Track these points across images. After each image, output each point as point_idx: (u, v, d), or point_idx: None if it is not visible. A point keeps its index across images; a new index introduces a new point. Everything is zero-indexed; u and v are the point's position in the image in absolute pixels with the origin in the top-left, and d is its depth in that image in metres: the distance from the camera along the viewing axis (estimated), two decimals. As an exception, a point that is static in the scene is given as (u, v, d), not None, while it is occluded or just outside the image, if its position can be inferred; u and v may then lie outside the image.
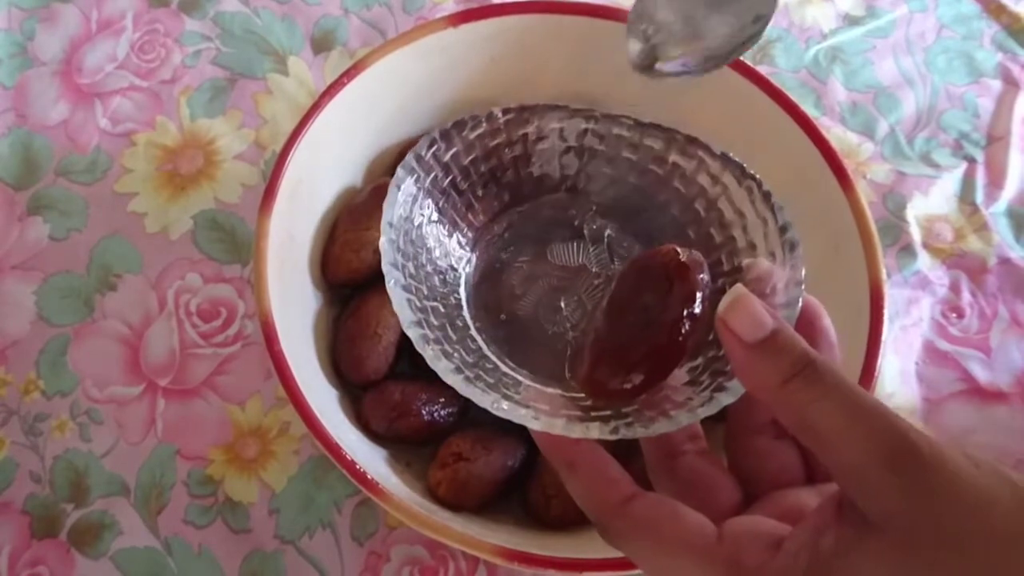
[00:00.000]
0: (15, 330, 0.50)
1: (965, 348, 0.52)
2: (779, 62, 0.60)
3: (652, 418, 0.27)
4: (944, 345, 0.52)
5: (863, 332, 0.40)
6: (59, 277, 0.52)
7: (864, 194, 0.44)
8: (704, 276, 0.29)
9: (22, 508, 0.47)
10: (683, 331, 0.28)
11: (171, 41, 0.59)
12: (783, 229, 0.31)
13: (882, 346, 0.40)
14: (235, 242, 0.53)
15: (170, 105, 0.57)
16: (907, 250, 0.54)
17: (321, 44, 0.59)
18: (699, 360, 0.30)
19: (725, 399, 0.27)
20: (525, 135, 0.35)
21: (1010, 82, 0.60)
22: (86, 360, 0.50)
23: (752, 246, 0.32)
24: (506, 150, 0.35)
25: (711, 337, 0.25)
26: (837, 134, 0.58)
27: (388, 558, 0.46)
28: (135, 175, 0.55)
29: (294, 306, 0.44)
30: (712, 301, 0.25)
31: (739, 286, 0.25)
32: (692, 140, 0.34)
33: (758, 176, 0.32)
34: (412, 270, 0.32)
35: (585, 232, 0.36)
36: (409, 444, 0.45)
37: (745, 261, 0.31)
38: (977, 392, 0.51)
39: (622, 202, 0.36)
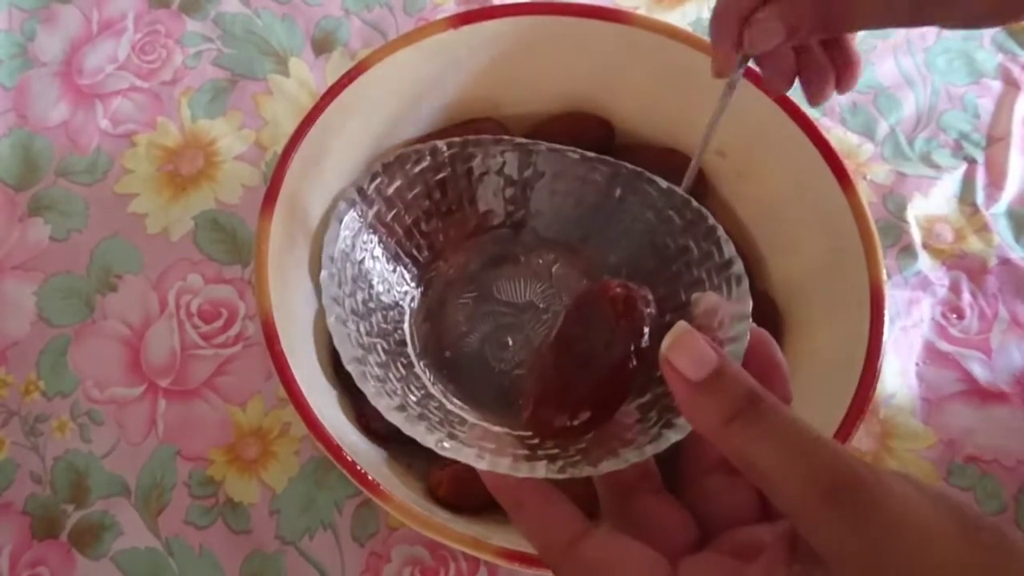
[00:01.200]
0: (15, 331, 0.50)
1: (965, 349, 0.52)
2: (779, 63, 0.60)
3: (600, 456, 0.27)
4: (944, 346, 0.52)
5: (864, 333, 0.40)
6: (59, 278, 0.52)
7: (864, 195, 0.44)
8: (650, 311, 0.29)
9: (23, 509, 0.47)
10: (629, 368, 0.28)
11: (172, 42, 0.59)
12: (728, 263, 0.30)
13: (883, 347, 0.40)
14: (236, 243, 0.53)
15: (171, 106, 0.57)
16: (907, 251, 0.54)
17: (322, 45, 0.59)
18: (647, 396, 0.29)
19: (673, 436, 0.27)
20: (470, 169, 0.35)
21: (1010, 83, 0.60)
22: (86, 361, 0.50)
23: (700, 280, 0.31)
24: (450, 184, 0.35)
25: (659, 373, 0.25)
26: (837, 135, 0.58)
27: (389, 559, 0.46)
28: (136, 176, 0.55)
29: (295, 307, 0.44)
30: (659, 336, 0.25)
31: (682, 323, 0.25)
32: (638, 174, 0.34)
33: (704, 210, 0.32)
34: (354, 305, 0.31)
35: (532, 267, 0.35)
36: (410, 445, 0.45)
37: (693, 295, 0.31)
38: (977, 393, 0.51)
39: (569, 236, 0.35)
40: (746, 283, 0.29)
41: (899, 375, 0.51)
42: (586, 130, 0.51)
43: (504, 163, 0.35)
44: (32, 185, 0.54)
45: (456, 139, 0.34)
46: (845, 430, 0.38)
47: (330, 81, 0.46)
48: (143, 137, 0.56)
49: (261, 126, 0.56)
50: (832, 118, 0.59)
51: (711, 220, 0.31)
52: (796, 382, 0.45)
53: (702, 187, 0.50)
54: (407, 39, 0.45)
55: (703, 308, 0.30)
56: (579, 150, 0.34)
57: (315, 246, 0.47)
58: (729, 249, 0.30)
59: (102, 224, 0.53)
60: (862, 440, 0.49)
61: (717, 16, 0.35)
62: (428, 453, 0.45)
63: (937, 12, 0.33)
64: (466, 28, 0.46)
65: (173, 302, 0.51)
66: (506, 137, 0.35)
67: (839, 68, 0.37)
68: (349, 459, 0.37)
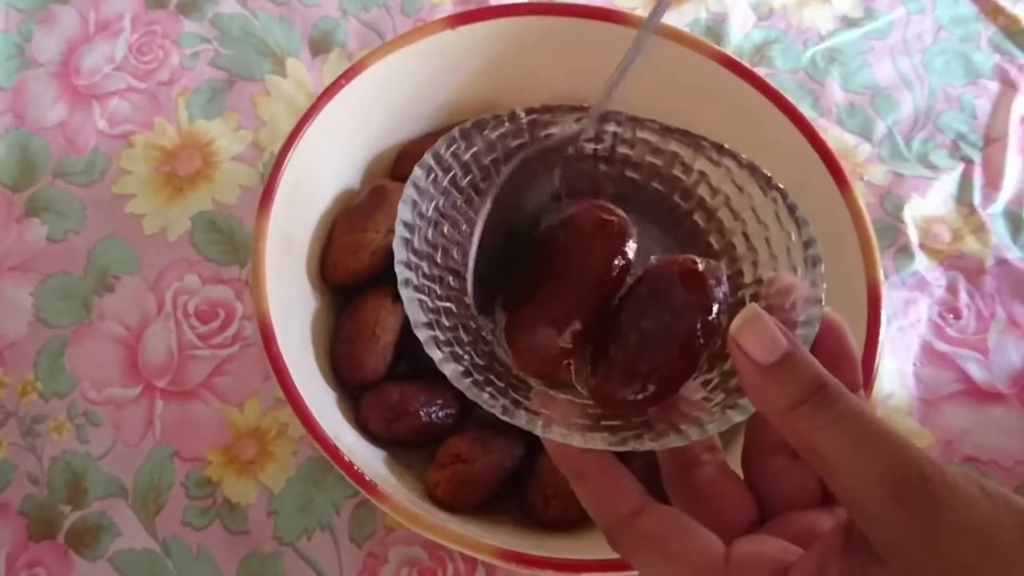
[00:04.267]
0: (13, 331, 0.50)
1: (962, 349, 0.52)
2: (777, 63, 0.60)
3: (662, 431, 0.27)
4: (941, 346, 0.52)
5: (861, 333, 0.40)
6: (57, 278, 0.52)
7: (861, 195, 0.44)
8: (722, 288, 0.28)
9: (19, 510, 0.47)
10: (697, 343, 0.28)
11: (169, 43, 0.59)
12: (807, 244, 0.30)
13: (880, 347, 0.40)
14: (233, 243, 0.53)
15: (168, 106, 0.57)
16: (904, 251, 0.54)
17: (319, 46, 0.59)
18: (714, 374, 0.29)
19: (737, 416, 0.26)
20: (547, 136, 0.34)
21: (1007, 83, 0.60)
22: (84, 361, 0.50)
23: (774, 259, 0.31)
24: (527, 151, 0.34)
25: (726, 351, 0.25)
26: (835, 135, 0.58)
27: (386, 559, 0.46)
28: (133, 176, 0.55)
29: (292, 307, 0.44)
30: (730, 314, 0.25)
31: (752, 305, 0.25)
32: (719, 148, 0.33)
33: (785, 189, 0.31)
34: (426, 270, 0.31)
35: None
36: (408, 445, 0.45)
37: (768, 275, 0.31)
38: (974, 393, 0.51)
39: (644, 208, 0.35)
40: (822, 266, 0.29)
41: (896, 375, 0.51)
42: (583, 131, 0.51)
43: (581, 132, 0.34)
44: (29, 186, 0.54)
45: (535, 106, 0.34)
46: (842, 430, 0.38)
47: (327, 82, 0.46)
48: (140, 138, 0.56)
49: (258, 127, 0.56)
50: (829, 119, 0.59)
51: (791, 198, 0.31)
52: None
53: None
54: (404, 40, 0.45)
55: (777, 288, 0.30)
56: (659, 121, 0.34)
57: (313, 246, 0.47)
58: (809, 230, 0.30)
59: (99, 225, 0.53)
60: (859, 440, 0.49)
61: None
62: (426, 453, 0.45)
63: None
64: (463, 29, 0.46)
65: (170, 302, 0.51)
66: (585, 104, 0.34)
67: None
68: (347, 460, 0.37)
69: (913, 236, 0.55)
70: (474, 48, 0.47)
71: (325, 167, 0.46)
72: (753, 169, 0.32)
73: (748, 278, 0.32)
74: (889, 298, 0.52)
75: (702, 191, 0.34)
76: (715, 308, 0.28)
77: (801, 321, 0.28)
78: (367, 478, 0.37)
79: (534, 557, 0.36)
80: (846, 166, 0.44)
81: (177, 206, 0.54)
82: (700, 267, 0.29)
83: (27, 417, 0.49)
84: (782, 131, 0.44)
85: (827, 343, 0.27)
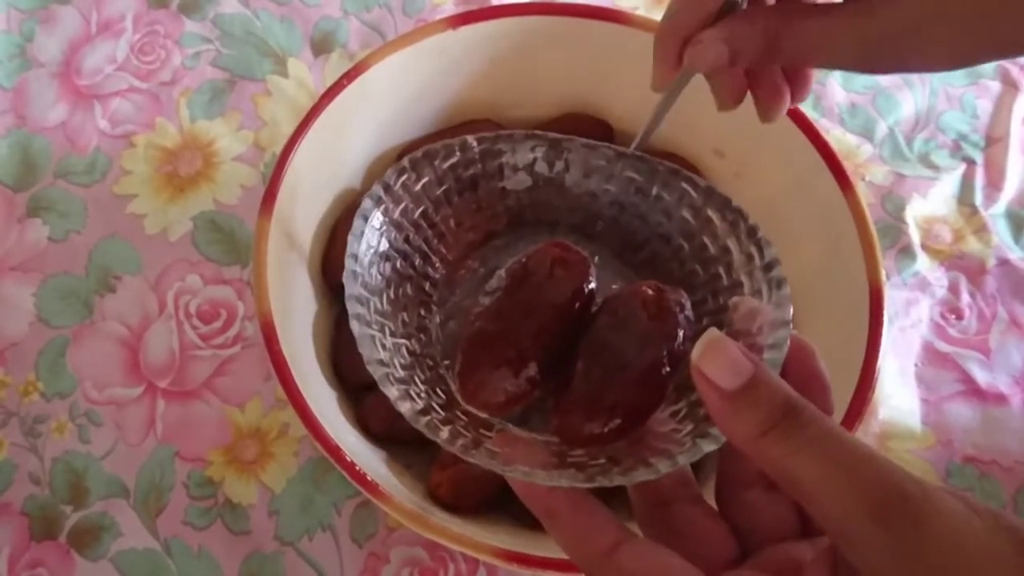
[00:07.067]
0: (14, 331, 0.50)
1: (964, 349, 0.52)
2: (778, 63, 0.60)
3: (630, 465, 0.26)
4: (943, 346, 0.52)
5: (862, 334, 0.40)
6: (58, 278, 0.52)
7: (863, 196, 0.44)
8: (685, 314, 0.28)
9: (21, 509, 0.47)
10: (662, 373, 0.27)
11: (171, 43, 0.59)
12: (769, 266, 0.29)
13: (881, 347, 0.40)
14: (234, 244, 0.53)
15: (169, 107, 0.57)
16: (906, 251, 0.54)
17: (321, 46, 0.59)
18: (681, 403, 0.28)
19: (707, 446, 0.25)
20: (501, 165, 0.33)
21: (1009, 83, 0.60)
22: (85, 361, 0.50)
23: (738, 283, 0.30)
24: (481, 181, 0.33)
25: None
26: (836, 136, 0.58)
27: (388, 559, 0.46)
28: (134, 176, 0.55)
29: (294, 308, 0.44)
30: (695, 341, 0.24)
31: (713, 330, 0.24)
32: (675, 172, 0.32)
33: (744, 210, 0.31)
34: (379, 305, 0.30)
35: None
36: (409, 446, 0.45)
37: (732, 299, 0.30)
38: (976, 393, 0.51)
39: (602, 236, 0.34)
40: (787, 288, 0.28)
41: (898, 376, 0.51)
42: (584, 132, 0.51)
43: (535, 159, 0.33)
44: (31, 186, 0.54)
45: (487, 134, 0.33)
46: (844, 431, 0.38)
47: (329, 82, 0.46)
48: (142, 138, 0.56)
49: (260, 127, 0.56)
50: (831, 119, 0.59)
51: (752, 220, 0.30)
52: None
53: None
54: (406, 40, 0.45)
55: (742, 312, 0.29)
56: (614, 146, 0.33)
57: (315, 246, 0.47)
58: (771, 251, 0.29)
59: (101, 225, 0.53)
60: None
61: (660, 31, 0.33)
62: (427, 453, 0.45)
63: (885, 63, 0.32)
64: (465, 29, 0.46)
65: (172, 303, 0.51)
66: (539, 132, 0.33)
67: (790, 83, 0.35)
68: (348, 460, 0.37)
69: (915, 236, 0.55)
70: (475, 48, 0.47)
71: (327, 167, 0.46)
72: (710, 193, 0.31)
73: (712, 304, 0.31)
74: (891, 298, 0.52)
75: (660, 217, 0.33)
76: (680, 335, 0.27)
77: (768, 344, 0.27)
78: (369, 478, 0.37)
79: (535, 557, 0.36)
80: (848, 166, 0.44)
81: (178, 206, 0.54)
82: (662, 294, 0.28)
83: (29, 417, 0.49)
84: (784, 131, 0.44)
85: (797, 366, 0.26)
